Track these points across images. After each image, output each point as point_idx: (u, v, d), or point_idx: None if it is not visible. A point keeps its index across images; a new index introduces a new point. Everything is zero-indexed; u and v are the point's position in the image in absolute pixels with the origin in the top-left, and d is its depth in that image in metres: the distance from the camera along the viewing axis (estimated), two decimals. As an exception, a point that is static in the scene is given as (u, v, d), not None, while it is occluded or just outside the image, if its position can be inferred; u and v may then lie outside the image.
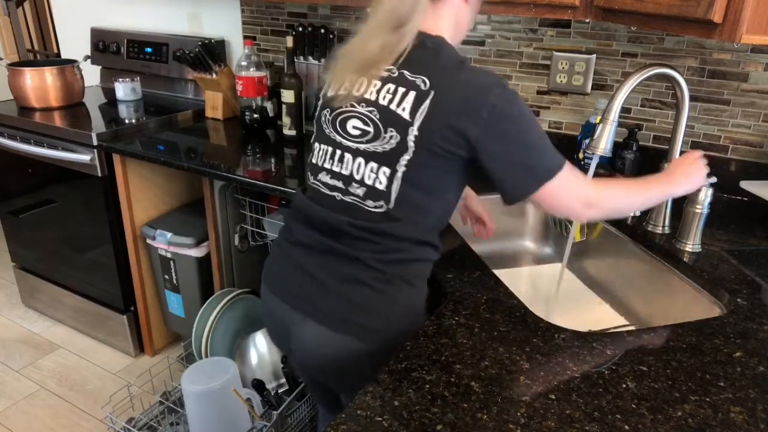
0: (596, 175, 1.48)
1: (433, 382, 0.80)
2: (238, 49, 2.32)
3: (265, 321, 1.18)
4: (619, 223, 1.35)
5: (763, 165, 1.48)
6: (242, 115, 2.07)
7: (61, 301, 2.41)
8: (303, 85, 1.97)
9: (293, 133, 1.98)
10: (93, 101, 2.44)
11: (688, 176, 1.11)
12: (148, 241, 2.05)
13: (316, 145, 1.07)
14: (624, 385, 0.80)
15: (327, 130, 1.04)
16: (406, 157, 0.95)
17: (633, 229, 1.31)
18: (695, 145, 1.55)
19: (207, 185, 1.82)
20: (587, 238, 1.44)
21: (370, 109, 0.97)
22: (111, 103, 2.40)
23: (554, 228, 1.55)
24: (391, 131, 0.95)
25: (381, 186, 0.97)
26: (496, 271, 1.12)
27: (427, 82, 0.94)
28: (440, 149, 0.94)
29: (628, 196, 1.05)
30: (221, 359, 1.57)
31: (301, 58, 2.00)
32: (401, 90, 0.95)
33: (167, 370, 2.00)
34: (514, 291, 1.04)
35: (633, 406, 0.76)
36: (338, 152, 1.02)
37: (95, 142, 1.93)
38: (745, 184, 1.41)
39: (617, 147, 1.46)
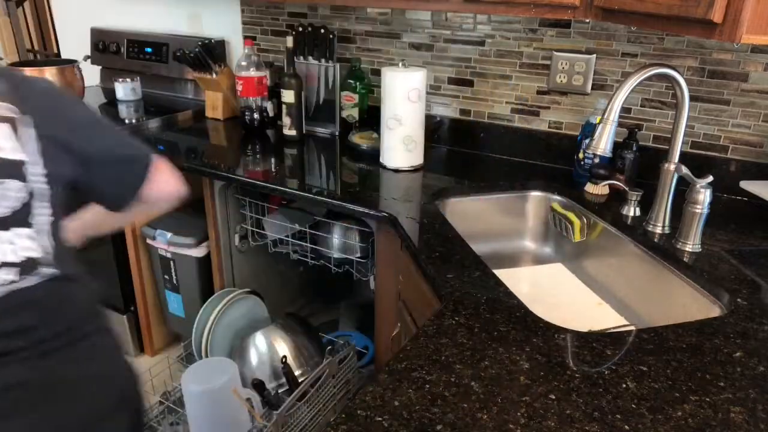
0: (596, 175, 1.49)
1: (433, 382, 0.80)
2: (238, 49, 2.32)
3: None
4: (619, 223, 1.35)
5: (763, 165, 1.48)
6: (242, 115, 2.07)
7: (61, 301, 2.41)
8: (303, 85, 1.97)
9: (293, 133, 1.98)
10: (93, 101, 2.44)
11: None
12: (148, 241, 2.05)
13: None
14: (624, 385, 0.80)
15: None
16: (40, 205, 0.81)
17: (633, 229, 1.32)
18: (695, 145, 1.55)
19: (207, 185, 1.82)
20: (587, 238, 1.44)
21: None
22: (111, 103, 2.40)
23: (554, 228, 1.55)
24: (7, 181, 0.76)
25: (32, 254, 0.80)
26: (496, 271, 1.12)
27: (16, 109, 0.78)
28: (70, 179, 0.84)
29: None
30: (221, 359, 1.57)
31: (301, 58, 2.00)
32: None
33: (167, 370, 2.00)
34: (514, 291, 1.04)
35: (633, 406, 0.76)
36: None
37: (95, 142, 1.93)
38: (745, 184, 1.41)
39: (617, 147, 1.46)
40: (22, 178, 0.76)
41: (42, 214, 0.80)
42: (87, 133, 0.87)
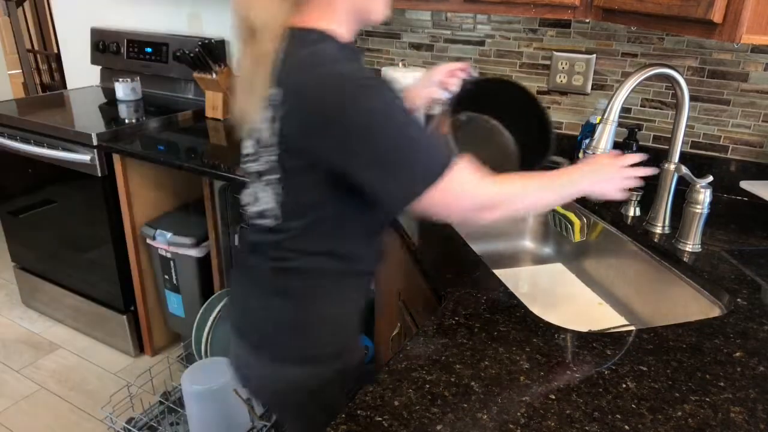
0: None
1: (433, 382, 0.80)
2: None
3: None
4: (619, 223, 1.35)
5: (763, 165, 1.48)
6: (242, 115, 2.07)
7: (61, 301, 2.41)
8: (303, 85, 1.97)
9: (293, 133, 1.98)
10: (93, 101, 2.44)
11: (597, 176, 0.98)
12: (148, 241, 2.05)
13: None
14: (624, 385, 0.80)
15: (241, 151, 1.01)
16: (276, 175, 0.91)
17: (633, 229, 1.31)
18: (695, 145, 1.55)
19: (207, 185, 1.82)
20: (587, 238, 1.44)
21: (252, 129, 0.93)
22: (111, 103, 2.40)
23: (554, 228, 1.55)
24: (263, 150, 0.91)
25: (268, 204, 0.94)
26: (496, 271, 1.12)
27: (280, 93, 0.83)
28: (304, 163, 0.87)
29: (525, 196, 0.91)
30: (221, 359, 1.57)
31: (301, 58, 2.00)
32: (258, 106, 0.87)
33: (167, 370, 2.00)
34: (514, 291, 1.04)
35: (633, 406, 0.76)
36: (248, 173, 0.99)
37: (95, 142, 1.93)
38: (745, 184, 1.41)
39: (617, 147, 1.46)
40: (270, 152, 0.92)
41: None
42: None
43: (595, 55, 1.63)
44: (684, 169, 1.20)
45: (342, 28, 0.89)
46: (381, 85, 0.82)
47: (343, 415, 0.73)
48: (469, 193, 0.85)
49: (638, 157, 1.03)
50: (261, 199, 0.95)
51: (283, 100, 0.83)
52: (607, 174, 0.99)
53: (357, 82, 0.80)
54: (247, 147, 0.95)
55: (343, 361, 1.01)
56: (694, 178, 1.18)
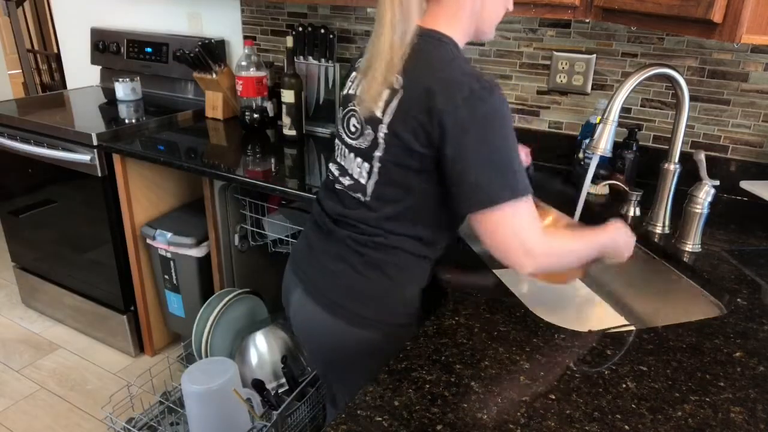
0: (596, 175, 1.48)
1: (433, 382, 0.80)
2: (238, 49, 2.32)
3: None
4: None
5: (763, 165, 1.48)
6: (242, 115, 2.07)
7: (61, 301, 2.41)
8: (303, 85, 1.97)
9: (293, 133, 1.98)
10: (93, 101, 2.44)
11: (616, 247, 1.07)
12: (148, 241, 2.05)
13: (336, 141, 1.13)
14: (624, 385, 0.80)
15: (340, 128, 1.09)
16: (377, 154, 0.98)
17: (633, 229, 1.31)
18: (695, 145, 1.55)
19: (207, 185, 1.82)
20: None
21: (364, 107, 1.00)
22: (111, 103, 2.40)
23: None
24: (368, 128, 0.99)
25: (362, 180, 1.02)
26: (496, 271, 1.12)
27: (401, 80, 0.93)
28: (408, 147, 0.94)
29: (562, 257, 0.98)
30: (221, 359, 1.57)
31: (301, 58, 2.00)
32: (381, 89, 0.96)
33: (167, 370, 2.00)
34: (514, 291, 1.04)
35: (633, 406, 0.76)
36: (342, 147, 1.08)
37: (95, 142, 1.93)
38: (745, 184, 1.41)
39: (617, 147, 1.46)
40: (376, 131, 0.99)
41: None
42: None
43: (595, 55, 1.63)
44: (701, 155, 1.18)
45: (459, 37, 0.99)
46: (499, 90, 0.89)
47: (343, 415, 0.73)
48: (525, 229, 0.91)
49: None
50: (354, 173, 1.04)
51: (404, 85, 0.93)
52: (625, 242, 1.09)
53: (481, 82, 0.88)
54: (352, 124, 1.03)
55: (410, 331, 1.03)
56: (706, 174, 1.17)
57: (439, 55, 0.94)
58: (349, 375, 1.15)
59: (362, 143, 1.01)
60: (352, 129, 1.04)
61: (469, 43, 1.83)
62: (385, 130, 0.96)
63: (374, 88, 0.96)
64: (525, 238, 0.91)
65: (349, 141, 1.05)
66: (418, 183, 0.98)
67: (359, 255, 1.05)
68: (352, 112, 1.04)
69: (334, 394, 1.28)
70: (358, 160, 1.03)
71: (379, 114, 0.96)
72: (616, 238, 1.07)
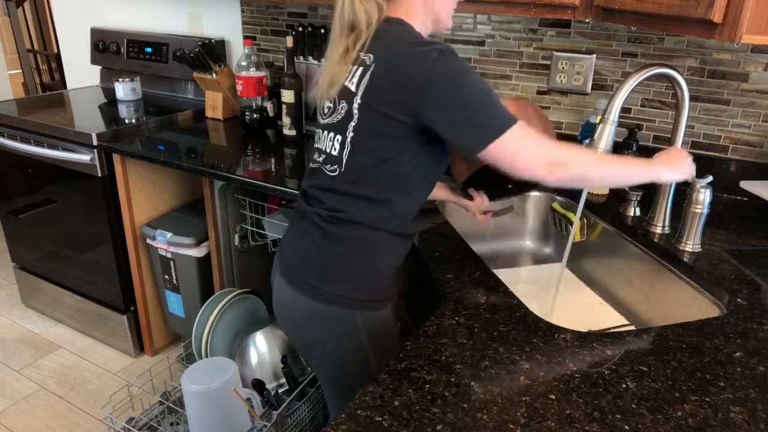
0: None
1: (433, 382, 0.80)
2: (238, 49, 2.32)
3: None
4: (619, 223, 1.35)
5: (763, 165, 1.48)
6: (242, 115, 2.07)
7: (61, 301, 2.41)
8: (303, 85, 1.97)
9: (293, 133, 1.98)
10: (93, 101, 2.44)
11: (672, 164, 1.08)
12: (148, 241, 2.05)
13: (315, 133, 1.17)
14: (624, 385, 0.80)
15: (318, 117, 1.14)
16: (351, 124, 1.03)
17: (633, 229, 1.32)
18: (695, 145, 1.55)
19: (207, 185, 1.82)
20: (587, 238, 1.44)
21: (336, 89, 1.07)
22: (111, 103, 2.40)
23: (554, 228, 1.55)
24: (342, 102, 1.05)
25: (335, 152, 1.07)
26: (496, 271, 1.12)
27: (372, 57, 1.01)
28: (383, 115, 0.99)
29: (597, 166, 1.01)
30: (221, 359, 1.57)
31: (301, 58, 2.00)
32: (354, 68, 1.03)
33: (167, 370, 2.00)
34: (514, 291, 1.04)
35: (633, 406, 0.76)
36: (318, 132, 1.13)
37: (95, 142, 1.93)
38: (745, 184, 1.41)
39: (617, 147, 1.46)
40: (350, 103, 1.04)
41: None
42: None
43: (595, 55, 1.63)
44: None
45: (418, 27, 1.06)
46: (455, 54, 0.97)
47: (343, 415, 0.73)
48: (533, 149, 0.97)
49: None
50: (327, 148, 1.08)
51: (375, 61, 1.00)
52: (680, 162, 1.09)
53: (442, 47, 0.96)
54: (326, 106, 1.09)
55: (382, 308, 1.12)
56: (695, 178, 1.18)
57: (401, 32, 1.03)
58: (323, 356, 1.17)
59: (336, 118, 1.06)
60: (326, 110, 1.10)
61: (467, 42, 1.82)
62: (359, 101, 1.01)
63: (343, 69, 1.05)
64: (542, 153, 0.97)
65: (323, 121, 1.10)
66: (392, 150, 1.02)
67: (321, 230, 1.08)
68: (325, 98, 1.11)
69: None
70: (331, 134, 1.08)
71: (353, 88, 1.03)
72: (662, 156, 1.09)
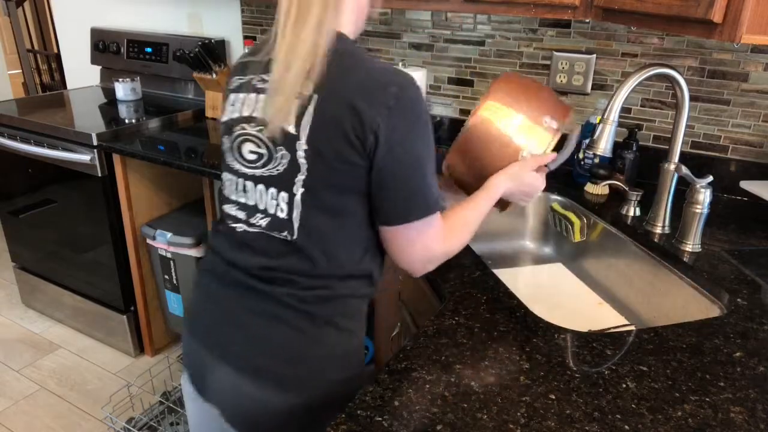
0: (596, 175, 1.49)
1: (433, 382, 0.80)
2: (238, 49, 2.32)
3: (184, 368, 1.02)
4: (619, 223, 1.35)
5: (763, 165, 1.48)
6: (242, 115, 2.07)
7: (61, 301, 2.41)
8: (303, 85, 1.97)
9: (293, 133, 1.98)
10: (93, 101, 2.44)
11: (512, 177, 1.01)
12: (148, 241, 2.05)
13: (224, 174, 0.95)
14: (624, 385, 0.80)
15: (229, 159, 0.92)
16: (300, 177, 0.83)
17: (633, 229, 1.31)
18: (695, 145, 1.55)
19: (207, 185, 1.82)
20: (587, 238, 1.44)
21: (259, 128, 0.86)
22: (111, 103, 2.40)
23: (554, 228, 1.55)
24: (281, 150, 0.84)
25: (282, 214, 0.86)
26: (496, 271, 1.12)
27: (309, 86, 0.81)
28: (334, 161, 0.81)
29: (462, 238, 0.94)
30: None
31: (301, 58, 2.00)
32: (292, 102, 0.82)
33: (167, 370, 2.00)
34: (514, 291, 1.04)
35: (633, 406, 0.76)
36: (239, 181, 0.90)
37: (95, 142, 1.93)
38: (745, 184, 1.41)
39: (617, 147, 1.46)
40: (293, 150, 0.84)
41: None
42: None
43: (595, 55, 1.63)
44: (684, 169, 1.20)
45: (351, 32, 0.90)
46: (422, 96, 0.84)
47: (343, 415, 0.73)
48: (434, 244, 0.89)
49: (549, 158, 1.06)
50: (268, 208, 0.87)
51: (317, 92, 0.80)
52: (521, 175, 1.02)
53: (400, 75, 0.82)
54: (249, 151, 0.88)
55: (356, 382, 0.94)
56: (694, 178, 1.18)
57: (345, 51, 0.84)
58: None
59: (274, 170, 0.85)
60: (250, 157, 0.87)
61: (467, 42, 1.82)
62: (305, 147, 0.81)
63: (283, 102, 0.81)
64: (435, 250, 0.90)
65: (249, 172, 0.88)
66: (350, 204, 0.85)
67: (303, 313, 0.88)
68: (243, 138, 0.88)
69: None
70: (272, 191, 0.86)
71: (292, 130, 0.81)
72: (512, 185, 1.02)
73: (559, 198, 1.55)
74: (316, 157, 0.82)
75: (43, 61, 5.15)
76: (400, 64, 1.65)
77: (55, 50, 4.86)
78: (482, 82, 1.82)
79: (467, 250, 1.20)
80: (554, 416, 0.74)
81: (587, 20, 1.56)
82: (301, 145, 0.82)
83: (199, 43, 2.10)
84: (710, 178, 1.17)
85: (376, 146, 0.80)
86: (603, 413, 0.75)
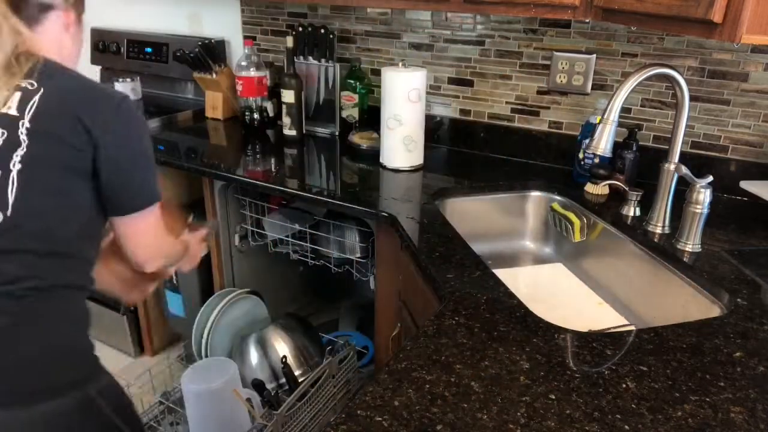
0: (596, 175, 1.49)
1: (433, 382, 0.80)
2: (238, 49, 2.32)
3: None
4: (619, 223, 1.35)
5: (763, 165, 1.48)
6: (242, 115, 2.07)
7: (61, 301, 2.41)
8: (303, 85, 1.97)
9: (293, 133, 1.98)
10: (93, 101, 2.43)
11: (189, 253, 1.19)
12: (148, 241, 2.05)
13: None
14: (624, 385, 0.80)
15: None
16: (19, 152, 0.85)
17: (633, 229, 1.32)
18: (695, 145, 1.55)
19: (207, 185, 1.82)
20: (587, 238, 1.44)
21: None
22: (111, 103, 2.40)
23: (554, 228, 1.55)
24: None
25: None
26: (496, 271, 1.12)
27: (34, 83, 0.88)
28: (60, 138, 0.86)
29: (175, 255, 1.12)
30: (221, 359, 1.57)
31: (301, 58, 2.00)
32: (8, 93, 0.87)
33: (167, 370, 2.00)
34: (514, 291, 1.04)
35: (633, 406, 0.76)
36: None
37: (95, 142, 1.93)
38: (745, 184, 1.40)
39: (617, 147, 1.46)
40: (14, 129, 0.88)
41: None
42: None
43: (595, 55, 1.63)
44: (684, 169, 1.20)
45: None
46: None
47: (343, 415, 0.73)
48: (160, 236, 1.03)
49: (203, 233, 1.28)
50: None
51: (41, 87, 0.88)
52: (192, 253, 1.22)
53: (120, 94, 0.94)
54: None
55: (105, 386, 0.96)
56: (694, 178, 1.18)
57: (56, 64, 0.93)
58: None
59: None
60: None
61: (467, 42, 1.82)
62: (28, 125, 0.85)
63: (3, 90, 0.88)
64: (161, 241, 1.04)
65: None
66: (70, 183, 0.88)
67: (13, 316, 0.83)
68: None
69: None
70: None
71: (14, 113, 0.86)
72: (190, 248, 1.20)
73: (559, 198, 1.55)
74: (39, 136, 0.86)
75: (43, 61, 5.15)
76: (400, 64, 1.65)
77: (55, 50, 4.85)
78: (482, 82, 1.82)
79: (467, 250, 1.20)
80: (554, 416, 0.74)
81: (587, 20, 1.56)
82: (24, 124, 0.86)
83: (199, 43, 2.10)
84: (710, 178, 1.17)
85: (99, 144, 0.89)
86: (603, 413, 0.75)
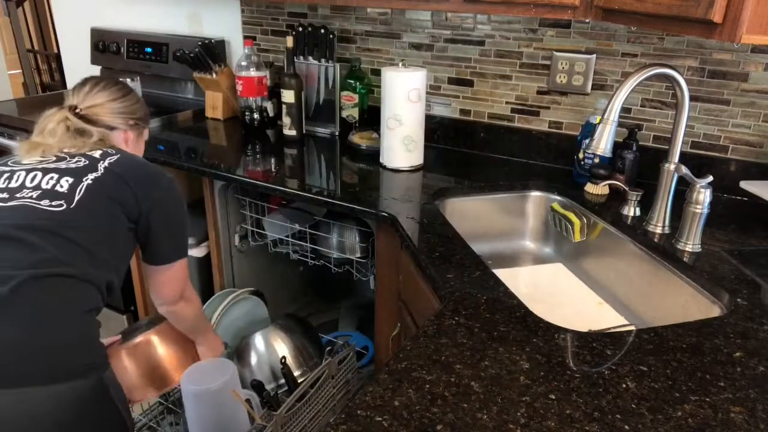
0: (596, 175, 1.49)
1: (433, 382, 0.80)
2: (238, 49, 2.32)
3: None
4: (619, 223, 1.35)
5: (763, 165, 1.48)
6: (242, 115, 2.07)
7: (61, 301, 2.41)
8: (303, 85, 1.97)
9: (293, 133, 1.98)
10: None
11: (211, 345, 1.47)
12: (148, 241, 2.05)
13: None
14: (624, 385, 0.80)
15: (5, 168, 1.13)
16: (94, 175, 1.10)
17: (633, 229, 1.31)
18: (695, 145, 1.55)
19: (207, 185, 1.82)
20: (587, 238, 1.44)
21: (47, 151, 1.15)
22: (111, 103, 2.40)
23: (554, 228, 1.55)
24: (79, 159, 1.13)
25: (62, 189, 1.06)
26: (496, 271, 1.12)
27: (113, 150, 1.20)
28: (126, 183, 1.12)
29: (199, 310, 1.42)
30: (221, 360, 1.57)
31: (301, 58, 2.00)
32: (79, 159, 1.14)
33: (167, 370, 2.00)
34: (514, 291, 1.04)
35: (633, 406, 0.76)
36: (11, 170, 1.10)
37: (95, 142, 1.93)
38: (745, 184, 1.40)
39: (617, 147, 1.46)
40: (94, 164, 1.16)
41: None
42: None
43: (595, 55, 1.63)
44: (684, 169, 1.20)
45: None
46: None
47: (343, 415, 0.73)
48: (184, 280, 1.30)
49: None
50: (45, 184, 1.08)
51: (102, 159, 1.15)
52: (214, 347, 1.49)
53: (166, 174, 1.22)
54: (32, 161, 1.12)
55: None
56: (694, 178, 1.18)
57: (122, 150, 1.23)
58: None
59: (69, 165, 1.11)
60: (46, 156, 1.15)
61: (467, 42, 1.82)
62: (106, 165, 1.13)
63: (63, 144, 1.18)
64: (186, 283, 1.32)
65: (28, 164, 1.11)
66: (121, 218, 1.11)
67: (37, 302, 0.94)
68: (32, 151, 1.15)
69: None
70: (52, 176, 1.08)
71: (97, 156, 1.15)
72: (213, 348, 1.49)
73: (559, 198, 1.55)
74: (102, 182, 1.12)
75: (43, 61, 5.15)
76: (400, 64, 1.64)
77: (55, 50, 4.86)
78: (482, 82, 1.82)
79: (467, 250, 1.20)
80: (554, 416, 0.74)
81: (587, 20, 1.56)
82: (103, 164, 1.14)
83: (199, 43, 2.10)
84: (710, 178, 1.17)
85: (149, 212, 1.17)
86: (603, 413, 0.75)
